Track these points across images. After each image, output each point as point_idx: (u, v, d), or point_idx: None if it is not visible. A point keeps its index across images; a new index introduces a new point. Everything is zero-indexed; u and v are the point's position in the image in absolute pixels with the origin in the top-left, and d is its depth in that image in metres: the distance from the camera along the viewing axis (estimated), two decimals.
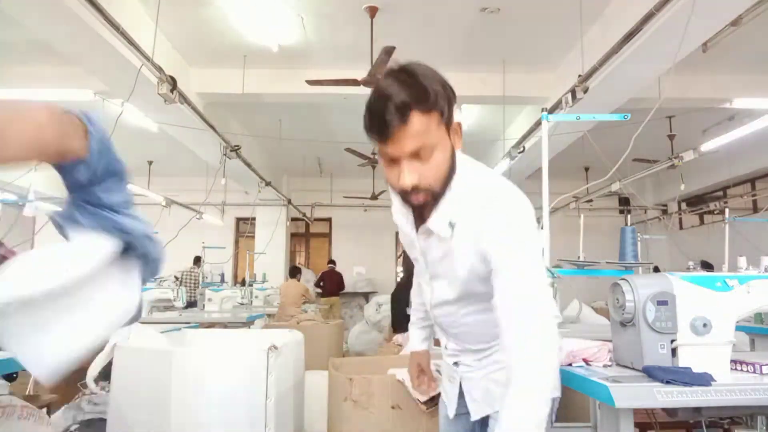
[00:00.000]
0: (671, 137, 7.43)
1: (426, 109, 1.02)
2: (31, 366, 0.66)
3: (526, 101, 6.59)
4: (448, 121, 1.08)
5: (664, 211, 10.50)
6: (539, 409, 1.02)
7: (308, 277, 10.67)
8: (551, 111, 4.77)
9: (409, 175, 1.05)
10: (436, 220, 1.15)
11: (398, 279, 10.20)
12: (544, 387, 1.04)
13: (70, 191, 0.79)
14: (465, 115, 7.35)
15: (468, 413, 1.41)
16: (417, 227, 1.23)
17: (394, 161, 1.07)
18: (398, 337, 4.64)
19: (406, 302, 5.74)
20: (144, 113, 5.95)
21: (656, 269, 5.08)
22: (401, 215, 1.28)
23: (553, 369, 1.14)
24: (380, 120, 1.02)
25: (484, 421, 1.39)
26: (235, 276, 11.36)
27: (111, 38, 3.87)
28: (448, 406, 1.46)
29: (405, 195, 1.10)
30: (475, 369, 1.36)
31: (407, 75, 1.04)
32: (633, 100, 5.29)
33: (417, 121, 1.01)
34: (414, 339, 1.61)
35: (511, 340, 1.06)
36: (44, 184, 9.62)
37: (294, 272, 8.02)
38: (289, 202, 10.32)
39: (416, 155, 1.05)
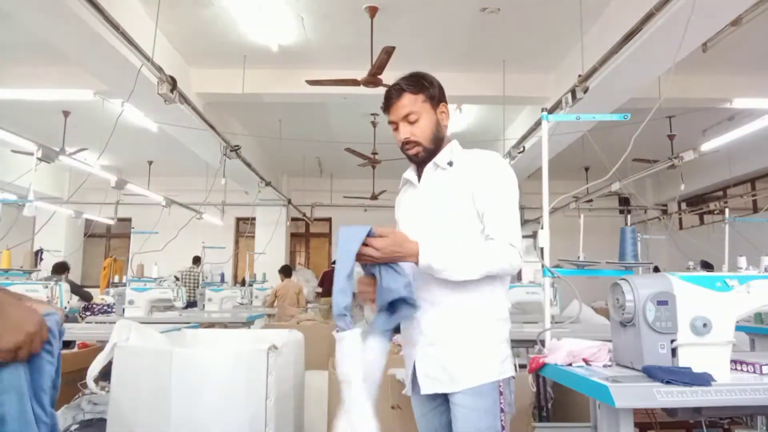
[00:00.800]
0: (671, 137, 7.43)
1: (414, 91, 1.61)
2: None
3: (526, 101, 6.59)
4: (433, 103, 1.62)
5: (664, 211, 10.50)
6: (464, 268, 1.45)
7: (308, 277, 10.67)
8: (551, 111, 4.78)
9: (403, 131, 1.62)
10: (440, 157, 1.63)
11: None
12: (477, 267, 1.46)
13: None
14: (465, 114, 7.36)
15: (440, 404, 1.57)
16: (419, 167, 1.68)
17: (396, 127, 1.64)
18: (398, 337, 4.64)
19: None
20: (144, 113, 5.95)
21: (656, 269, 5.07)
22: (401, 187, 1.77)
23: (487, 273, 1.48)
24: (386, 98, 1.65)
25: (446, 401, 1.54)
26: (235, 276, 11.36)
27: (111, 38, 3.87)
28: (406, 382, 1.67)
29: (404, 148, 1.64)
30: (428, 344, 1.54)
31: (407, 77, 1.65)
32: (633, 100, 5.29)
33: (406, 96, 1.61)
34: None
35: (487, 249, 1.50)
36: (44, 184, 9.64)
37: (288, 271, 8.02)
38: (289, 202, 10.32)
39: (407, 119, 1.60)
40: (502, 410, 1.48)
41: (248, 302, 6.44)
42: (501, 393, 1.49)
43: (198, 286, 7.75)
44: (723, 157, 7.72)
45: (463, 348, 1.52)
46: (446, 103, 1.66)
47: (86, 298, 6.36)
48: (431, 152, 1.62)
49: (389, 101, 1.63)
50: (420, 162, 1.65)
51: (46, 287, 3.25)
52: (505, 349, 1.55)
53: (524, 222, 9.63)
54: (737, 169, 8.57)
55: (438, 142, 1.63)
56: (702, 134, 7.58)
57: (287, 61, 5.76)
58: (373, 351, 1.45)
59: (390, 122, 1.65)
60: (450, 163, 1.60)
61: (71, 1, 3.54)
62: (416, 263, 1.44)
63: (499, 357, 1.52)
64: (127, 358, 2.33)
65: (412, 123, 1.60)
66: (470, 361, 1.50)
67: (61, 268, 6.21)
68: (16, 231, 4.96)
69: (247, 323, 4.92)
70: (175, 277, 8.27)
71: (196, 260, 8.71)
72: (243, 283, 7.69)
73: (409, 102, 1.59)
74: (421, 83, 1.61)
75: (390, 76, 4.72)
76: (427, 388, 1.54)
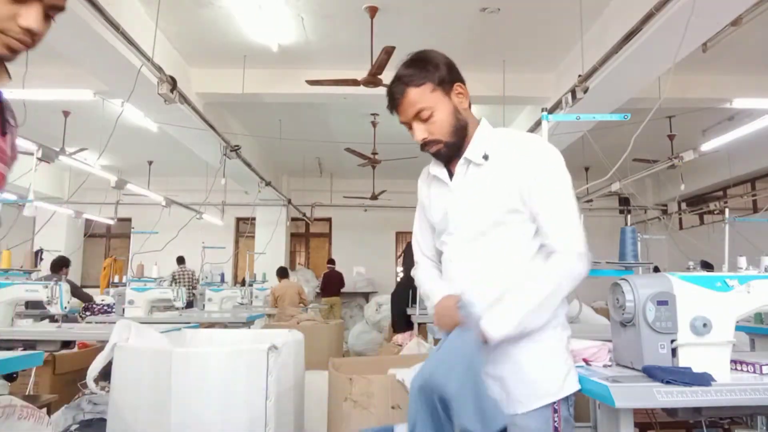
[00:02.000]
0: (671, 137, 7.43)
1: (418, 83, 1.37)
2: None
3: (526, 101, 6.59)
4: (445, 88, 1.39)
5: (664, 211, 10.50)
6: (542, 314, 1.30)
7: (308, 277, 10.67)
8: (551, 111, 4.77)
9: (418, 131, 1.41)
10: (471, 151, 1.42)
11: (398, 279, 10.20)
12: (545, 302, 1.30)
13: None
14: None
15: None
16: (448, 165, 1.48)
17: (410, 126, 1.42)
18: (398, 337, 4.64)
19: (406, 302, 5.76)
20: (144, 113, 5.94)
21: (656, 269, 5.07)
22: (425, 181, 1.57)
23: (560, 300, 1.34)
24: (389, 99, 1.44)
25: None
26: (235, 276, 11.36)
27: (111, 38, 3.87)
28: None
29: (423, 147, 1.44)
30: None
31: (406, 64, 1.42)
32: (633, 100, 5.29)
33: (411, 92, 1.38)
34: (441, 288, 1.51)
35: (542, 271, 1.34)
36: (44, 184, 9.63)
37: (284, 273, 8.03)
38: (289, 202, 10.32)
39: (419, 117, 1.39)
40: (556, 429, 1.31)
41: (248, 302, 6.43)
42: (555, 411, 1.32)
43: (191, 285, 7.76)
44: (723, 157, 7.72)
45: (523, 365, 1.34)
46: (461, 82, 1.42)
47: (86, 299, 6.35)
48: (456, 146, 1.41)
49: (393, 103, 1.42)
50: (445, 158, 1.44)
51: (46, 287, 3.24)
52: (564, 363, 1.36)
53: None
54: (737, 169, 8.57)
55: (461, 132, 1.41)
56: (702, 134, 7.58)
57: (287, 61, 5.76)
58: None
59: (402, 123, 1.44)
60: (485, 157, 1.39)
61: (71, 1, 3.54)
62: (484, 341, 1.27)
63: (561, 373, 1.34)
64: (127, 358, 2.33)
65: (425, 120, 1.38)
66: (531, 380, 1.33)
67: (59, 265, 6.16)
68: (16, 231, 4.95)
69: (247, 323, 4.92)
70: (173, 277, 8.28)
71: (182, 260, 8.71)
72: (243, 283, 7.68)
73: (416, 97, 1.37)
74: (425, 69, 1.38)
75: (390, 76, 4.74)
76: None
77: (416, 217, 1.63)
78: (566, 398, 1.34)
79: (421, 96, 1.37)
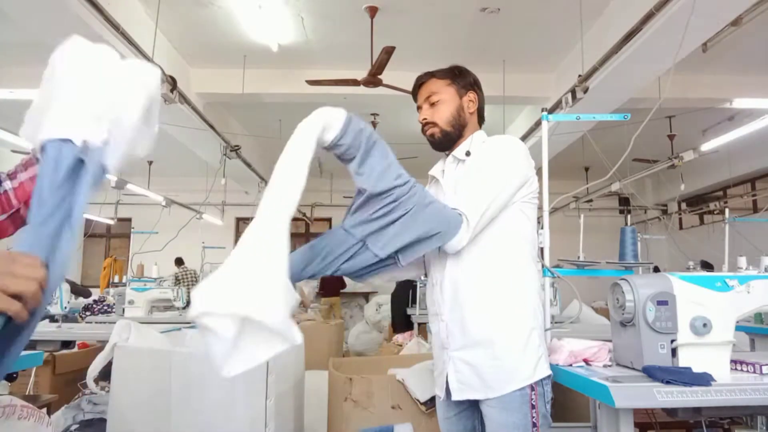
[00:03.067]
0: (671, 137, 7.43)
1: (440, 76, 1.61)
2: None
3: (526, 101, 6.59)
4: (459, 89, 1.60)
5: (664, 211, 10.49)
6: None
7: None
8: (551, 111, 4.77)
9: (423, 111, 1.62)
10: (458, 150, 1.59)
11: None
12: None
13: None
14: None
15: (465, 409, 1.49)
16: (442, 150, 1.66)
17: (420, 109, 1.63)
18: (398, 337, 4.65)
19: (406, 302, 5.76)
20: None
21: (656, 269, 5.08)
22: (430, 185, 1.70)
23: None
24: (415, 83, 1.65)
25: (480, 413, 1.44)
26: None
27: (111, 38, 3.87)
28: (438, 388, 1.54)
29: (423, 130, 1.62)
30: (460, 349, 1.45)
31: (443, 69, 1.65)
32: (633, 100, 5.29)
33: (432, 81, 1.61)
34: None
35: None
36: None
37: None
38: None
39: (428, 101, 1.60)
40: (534, 425, 1.37)
41: None
42: (533, 407, 1.37)
43: (185, 286, 7.77)
44: (723, 157, 7.71)
45: (487, 351, 1.40)
46: (479, 93, 1.63)
47: (85, 294, 6.34)
48: (449, 137, 1.58)
49: (416, 85, 1.65)
50: (436, 145, 1.62)
51: None
52: (539, 347, 1.43)
53: None
54: (737, 169, 8.57)
55: (458, 128, 1.59)
56: (702, 134, 7.58)
57: (287, 61, 5.76)
58: None
59: (417, 108, 1.65)
60: (468, 153, 1.56)
61: (71, 1, 3.54)
62: None
63: (533, 358, 1.40)
64: (127, 358, 2.33)
65: (433, 104, 1.59)
66: (504, 366, 1.39)
67: None
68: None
69: None
70: (176, 277, 8.28)
71: (180, 262, 8.71)
72: None
73: (433, 85, 1.60)
74: (450, 71, 1.62)
75: (390, 76, 4.75)
76: (458, 394, 1.44)
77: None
78: (543, 394, 1.40)
79: (437, 86, 1.60)
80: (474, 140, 1.59)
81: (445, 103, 1.58)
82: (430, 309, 1.59)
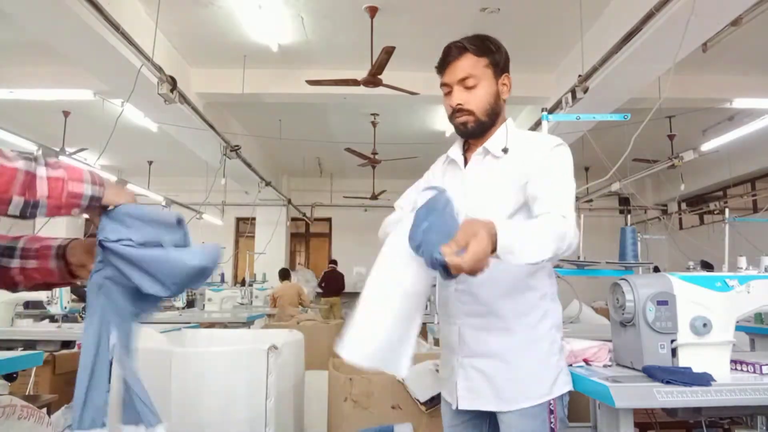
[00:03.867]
0: (671, 137, 7.43)
1: (477, 53, 1.38)
2: None
3: (526, 101, 6.59)
4: (496, 71, 1.41)
5: (664, 211, 10.49)
6: (539, 245, 1.16)
7: (308, 277, 10.67)
8: (551, 111, 4.77)
9: (457, 95, 1.39)
10: (492, 142, 1.43)
11: None
12: (550, 244, 1.17)
13: None
14: None
15: (474, 418, 1.42)
16: (465, 161, 1.49)
17: (450, 90, 1.41)
18: None
19: None
20: (144, 113, 5.94)
21: (656, 269, 5.07)
22: (441, 166, 1.56)
23: (552, 250, 1.18)
24: (444, 56, 1.41)
25: (491, 419, 1.39)
26: (235, 276, 11.36)
27: (111, 38, 3.87)
28: (448, 396, 1.45)
29: (453, 116, 1.42)
30: (469, 356, 1.37)
31: (472, 36, 1.41)
32: (633, 100, 5.28)
33: (468, 57, 1.38)
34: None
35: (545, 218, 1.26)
36: None
37: (286, 274, 8.03)
38: (289, 202, 10.32)
39: (464, 83, 1.38)
40: (552, 430, 1.32)
41: (248, 302, 6.44)
42: (552, 411, 1.32)
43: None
44: (723, 157, 7.71)
45: (509, 367, 1.33)
46: (509, 75, 1.45)
47: (84, 297, 6.35)
48: (483, 126, 1.41)
49: (447, 59, 1.40)
50: (467, 135, 1.45)
51: None
52: (559, 362, 1.37)
53: None
54: (737, 169, 8.57)
55: (493, 117, 1.42)
56: (702, 134, 7.58)
57: (287, 61, 5.76)
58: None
59: (442, 84, 1.43)
60: (505, 150, 1.40)
61: (71, 1, 3.54)
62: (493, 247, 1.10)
63: (552, 374, 1.34)
64: None
65: (468, 88, 1.38)
66: (521, 379, 1.32)
67: None
68: (16, 231, 4.96)
69: (247, 323, 4.92)
70: None
71: None
72: (243, 283, 7.69)
73: (469, 64, 1.38)
74: (486, 45, 1.40)
75: (390, 76, 4.75)
76: (467, 403, 1.37)
77: (413, 187, 1.59)
78: (561, 398, 1.34)
79: (475, 65, 1.38)
80: (506, 133, 1.43)
81: (484, 88, 1.39)
82: (442, 310, 1.49)
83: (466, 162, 1.47)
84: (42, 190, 0.81)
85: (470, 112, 1.39)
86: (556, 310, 1.40)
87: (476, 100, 1.39)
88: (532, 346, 1.34)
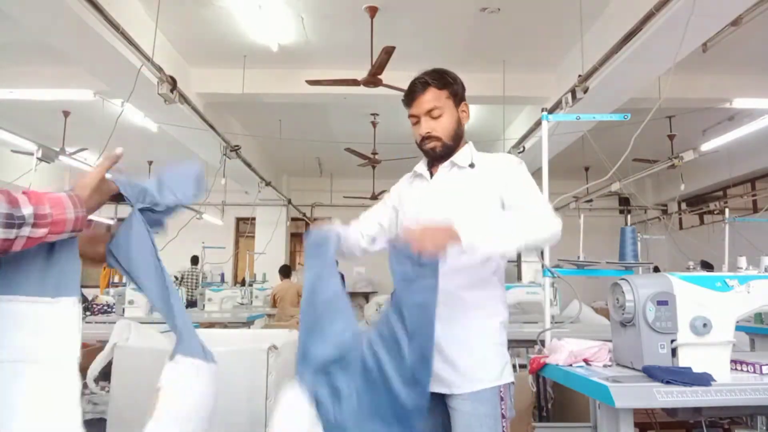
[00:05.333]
0: (671, 137, 7.43)
1: (439, 86, 1.59)
2: None
3: (526, 101, 6.59)
4: (456, 101, 1.62)
5: (664, 211, 10.49)
6: (508, 236, 1.41)
7: None
8: (551, 111, 4.77)
9: (424, 126, 1.60)
10: (459, 157, 1.63)
11: None
12: (523, 234, 1.42)
13: None
14: None
15: (435, 406, 1.49)
16: (431, 165, 1.69)
17: (417, 121, 1.62)
18: None
19: None
20: (144, 113, 5.95)
21: (656, 269, 5.07)
22: (407, 180, 1.75)
23: (533, 241, 1.49)
24: (410, 91, 1.61)
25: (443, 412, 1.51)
26: (235, 276, 11.36)
27: (111, 38, 3.87)
28: None
29: (423, 142, 1.62)
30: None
31: (431, 71, 1.63)
32: (633, 100, 5.28)
33: (431, 91, 1.59)
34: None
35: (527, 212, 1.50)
36: (44, 184, 9.63)
37: (287, 271, 8.02)
38: (289, 202, 10.32)
39: (430, 114, 1.59)
40: (503, 416, 1.46)
41: (248, 302, 6.44)
42: (502, 398, 1.47)
43: (198, 286, 7.76)
44: (723, 157, 7.71)
45: (467, 349, 1.50)
46: (467, 103, 1.66)
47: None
48: (449, 149, 1.62)
49: (413, 94, 1.61)
50: (436, 157, 1.64)
51: None
52: (506, 354, 1.55)
53: None
54: (737, 169, 8.57)
55: (457, 140, 1.63)
56: (702, 134, 7.57)
57: (287, 61, 5.76)
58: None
59: (411, 116, 1.64)
60: (472, 165, 1.61)
61: (71, 1, 3.54)
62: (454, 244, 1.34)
63: (501, 362, 1.51)
64: (127, 358, 2.33)
65: (435, 118, 1.59)
66: (473, 364, 1.48)
67: None
68: None
69: (247, 323, 4.92)
70: (175, 277, 8.28)
71: (195, 260, 8.71)
72: (243, 283, 7.69)
73: (433, 97, 1.58)
74: (446, 79, 1.61)
75: (390, 76, 4.75)
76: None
77: (373, 208, 1.80)
78: (509, 389, 1.51)
79: (438, 97, 1.59)
80: (469, 151, 1.64)
81: (447, 116, 1.60)
82: None
83: (432, 176, 1.67)
84: (17, 246, 0.87)
85: (438, 138, 1.60)
86: (506, 311, 1.60)
87: (442, 127, 1.59)
88: (487, 336, 1.53)
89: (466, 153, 1.63)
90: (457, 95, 1.62)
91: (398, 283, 1.37)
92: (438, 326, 1.43)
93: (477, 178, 1.58)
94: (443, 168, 1.64)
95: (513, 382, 1.53)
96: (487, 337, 1.52)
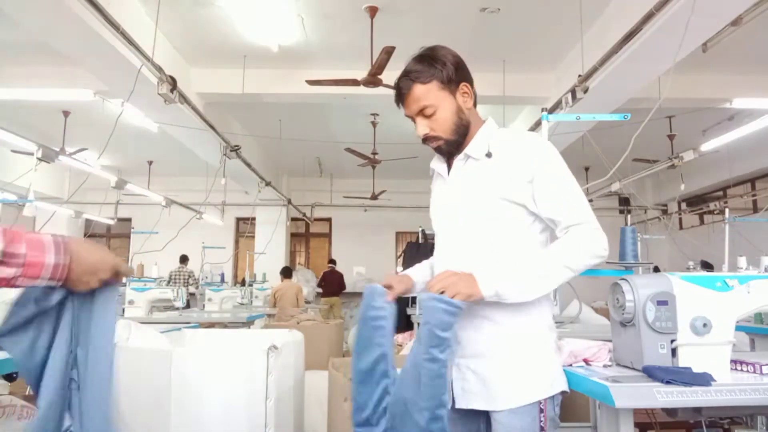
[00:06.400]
0: (671, 137, 7.43)
1: (424, 80, 1.38)
2: None
3: (526, 101, 6.59)
4: (450, 87, 1.40)
5: (664, 211, 10.49)
6: (553, 275, 1.31)
7: (308, 277, 10.67)
8: (551, 111, 4.78)
9: (420, 127, 1.43)
10: (472, 147, 1.44)
11: None
12: (561, 273, 1.31)
13: None
14: None
15: (469, 414, 1.42)
16: (448, 159, 1.51)
17: (414, 119, 1.45)
18: (398, 337, 4.64)
19: (406, 302, 5.75)
20: (144, 113, 5.94)
21: (656, 269, 5.07)
22: (433, 178, 1.60)
23: (577, 270, 1.33)
24: (396, 92, 1.45)
25: (488, 418, 1.40)
26: (235, 276, 11.36)
27: (111, 38, 3.87)
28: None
29: (425, 142, 1.46)
30: (462, 357, 1.39)
31: (418, 56, 1.42)
32: (633, 100, 5.28)
33: (417, 88, 1.39)
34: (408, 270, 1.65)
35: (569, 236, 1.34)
36: (44, 184, 9.63)
37: (288, 273, 8.02)
38: (289, 202, 10.32)
39: (422, 113, 1.41)
40: (542, 429, 1.33)
41: (248, 302, 6.43)
42: (542, 410, 1.33)
43: (187, 285, 7.76)
44: (723, 157, 7.72)
45: (505, 364, 1.36)
46: (468, 81, 1.44)
47: None
48: (456, 143, 1.43)
49: (399, 96, 1.44)
50: (445, 153, 1.48)
51: None
52: (552, 363, 1.39)
53: None
54: (737, 169, 8.57)
55: (463, 131, 1.42)
56: (702, 134, 7.58)
57: (287, 61, 5.76)
58: None
59: (406, 116, 1.47)
60: (488, 154, 1.40)
61: (71, 1, 3.54)
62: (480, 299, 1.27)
63: (544, 374, 1.36)
64: (127, 358, 2.32)
65: (429, 116, 1.40)
66: (512, 379, 1.34)
67: None
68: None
69: (247, 323, 4.92)
70: (170, 276, 8.28)
71: (184, 259, 8.72)
72: (243, 283, 7.68)
73: (421, 94, 1.39)
74: (431, 66, 1.38)
75: (390, 76, 4.73)
76: (462, 401, 1.39)
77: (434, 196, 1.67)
78: (552, 398, 1.35)
79: (426, 93, 1.39)
80: (487, 135, 1.44)
81: (442, 110, 1.40)
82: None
83: (449, 171, 1.50)
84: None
85: (437, 137, 1.42)
86: (548, 311, 1.42)
87: (439, 125, 1.41)
88: (524, 346, 1.36)
89: (481, 139, 1.43)
90: (451, 80, 1.39)
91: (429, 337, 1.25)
92: (467, 341, 1.39)
93: (497, 171, 1.38)
94: (458, 162, 1.46)
95: (563, 392, 1.38)
96: (524, 349, 1.36)
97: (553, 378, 1.37)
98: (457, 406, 1.39)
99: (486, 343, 1.37)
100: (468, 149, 1.44)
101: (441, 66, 1.39)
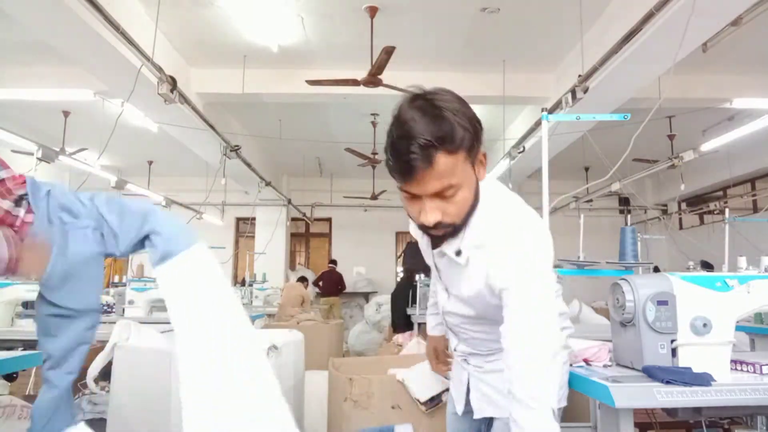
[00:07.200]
0: (671, 137, 7.43)
1: (452, 149, 0.98)
2: None
3: (526, 101, 6.59)
4: (473, 156, 1.04)
5: (664, 211, 10.49)
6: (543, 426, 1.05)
7: (308, 277, 10.69)
8: (551, 111, 4.77)
9: (432, 213, 1.04)
10: (450, 245, 1.17)
11: (398, 279, 10.20)
12: (543, 411, 1.05)
13: None
14: None
15: (476, 420, 1.45)
16: (433, 246, 1.24)
17: (416, 197, 1.05)
18: (398, 337, 4.64)
19: (406, 302, 5.76)
20: (144, 113, 5.94)
21: (656, 269, 5.07)
22: (419, 232, 1.30)
23: (552, 394, 1.09)
24: (405, 161, 0.99)
25: (490, 422, 1.42)
26: (235, 276, 11.35)
27: (111, 38, 3.87)
28: (456, 402, 1.51)
29: (425, 229, 1.11)
30: (481, 372, 1.41)
31: (433, 109, 0.99)
32: (633, 100, 5.28)
33: (442, 162, 0.98)
34: (430, 324, 1.68)
35: (515, 365, 1.08)
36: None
37: (301, 279, 8.07)
38: (289, 202, 10.32)
39: (441, 195, 1.03)
40: None
41: (248, 302, 6.43)
42: None
43: None
44: (723, 157, 7.72)
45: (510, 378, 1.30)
46: (482, 148, 1.08)
47: None
48: (458, 230, 1.13)
49: (412, 172, 0.99)
50: (438, 241, 1.19)
51: None
52: (560, 379, 1.38)
53: None
54: (737, 169, 8.57)
55: (471, 214, 1.12)
56: (702, 134, 7.58)
57: (287, 61, 5.76)
58: None
59: (404, 190, 1.06)
60: (459, 253, 1.15)
61: (71, 1, 3.54)
62: None
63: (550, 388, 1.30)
64: (127, 358, 2.33)
65: (447, 198, 1.03)
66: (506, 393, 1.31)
67: None
68: None
69: None
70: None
71: None
72: (243, 283, 7.69)
73: (447, 168, 0.98)
74: (461, 126, 0.99)
75: (390, 76, 4.75)
76: (480, 413, 1.40)
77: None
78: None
79: (453, 167, 1.00)
80: (472, 227, 1.13)
81: (465, 190, 1.05)
82: (449, 320, 1.42)
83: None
84: None
85: (448, 225, 1.07)
86: (561, 331, 1.42)
87: (457, 209, 1.06)
88: (533, 361, 1.29)
89: (467, 234, 1.14)
90: (474, 146, 1.02)
91: None
92: (483, 360, 1.40)
93: (468, 273, 1.17)
94: (436, 254, 1.23)
95: (563, 406, 1.38)
96: (530, 360, 1.16)
97: (560, 397, 1.39)
98: (477, 416, 1.42)
99: (495, 358, 1.37)
100: (444, 246, 1.17)
101: (468, 124, 1.00)
